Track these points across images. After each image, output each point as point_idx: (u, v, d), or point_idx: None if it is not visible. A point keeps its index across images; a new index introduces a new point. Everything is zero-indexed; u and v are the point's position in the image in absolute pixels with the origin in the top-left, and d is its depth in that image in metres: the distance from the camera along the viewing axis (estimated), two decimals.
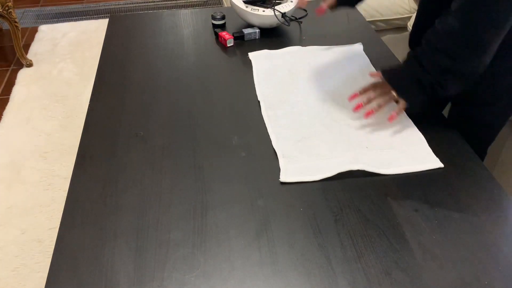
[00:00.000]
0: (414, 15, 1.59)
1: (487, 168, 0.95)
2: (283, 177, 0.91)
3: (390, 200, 0.87)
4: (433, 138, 1.02)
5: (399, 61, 1.30)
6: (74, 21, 3.13)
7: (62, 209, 0.87)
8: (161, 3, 3.37)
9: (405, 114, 1.08)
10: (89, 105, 1.13)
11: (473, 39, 0.90)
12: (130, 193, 0.89)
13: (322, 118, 1.07)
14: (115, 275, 0.74)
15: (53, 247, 1.19)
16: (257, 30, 1.40)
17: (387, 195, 0.88)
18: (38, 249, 1.61)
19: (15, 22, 2.51)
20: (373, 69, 1.25)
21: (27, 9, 3.31)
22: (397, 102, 1.05)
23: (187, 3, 3.38)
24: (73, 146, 2.06)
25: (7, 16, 2.45)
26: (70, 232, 0.81)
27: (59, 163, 1.98)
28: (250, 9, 1.38)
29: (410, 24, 2.08)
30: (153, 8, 3.28)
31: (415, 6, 2.23)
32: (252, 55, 1.31)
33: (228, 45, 1.37)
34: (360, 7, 2.15)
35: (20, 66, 2.63)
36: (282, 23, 1.40)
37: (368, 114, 1.05)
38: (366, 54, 1.32)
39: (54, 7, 3.33)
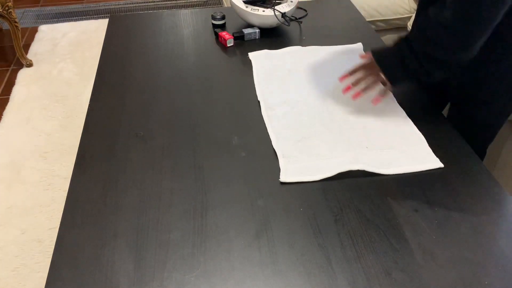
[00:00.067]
0: (414, 15, 1.59)
1: (487, 168, 0.95)
2: (283, 177, 0.91)
3: (390, 200, 0.87)
4: (433, 138, 1.02)
5: None
6: (74, 21, 3.12)
7: (62, 209, 0.87)
8: (161, 3, 3.37)
9: (405, 114, 1.08)
10: (89, 105, 1.13)
11: (463, 32, 0.91)
12: (130, 193, 0.89)
13: (322, 118, 1.07)
14: (115, 275, 0.74)
15: (53, 247, 1.19)
16: (257, 30, 1.40)
17: (387, 195, 0.88)
18: (38, 249, 1.61)
19: (15, 22, 2.51)
20: None
21: (27, 9, 3.31)
22: (385, 84, 1.05)
23: (187, 3, 3.38)
24: (73, 146, 2.06)
25: (7, 16, 2.45)
26: (70, 232, 0.81)
27: (59, 163, 1.98)
28: (250, 9, 1.38)
29: (410, 24, 2.08)
30: (153, 8, 3.28)
31: (415, 6, 2.23)
32: (252, 55, 1.31)
33: (228, 45, 1.37)
34: (360, 7, 2.15)
35: (20, 66, 2.63)
36: (282, 23, 1.40)
37: (355, 96, 1.07)
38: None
39: (54, 7, 3.33)
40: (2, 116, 2.26)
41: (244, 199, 0.87)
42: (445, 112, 1.32)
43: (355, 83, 1.08)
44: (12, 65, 2.67)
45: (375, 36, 1.42)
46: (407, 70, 1.00)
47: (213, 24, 1.46)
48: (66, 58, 2.70)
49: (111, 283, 0.73)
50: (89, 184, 0.91)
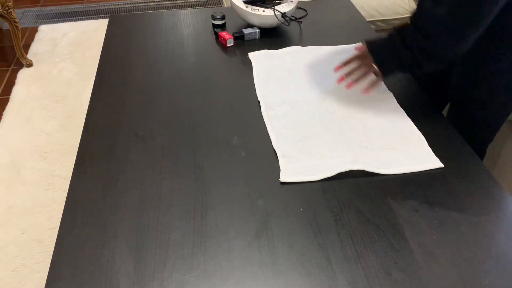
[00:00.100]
0: None
1: (487, 168, 0.95)
2: (283, 177, 0.91)
3: (390, 200, 0.87)
4: (433, 138, 1.02)
5: None
6: (74, 21, 3.12)
7: (62, 209, 0.87)
8: (161, 3, 3.37)
9: (405, 114, 1.08)
10: (89, 105, 1.13)
11: (456, 28, 0.93)
12: (130, 193, 0.89)
13: (322, 118, 1.07)
14: (115, 275, 0.74)
15: (53, 247, 1.19)
16: (257, 30, 1.40)
17: (387, 195, 0.88)
18: (38, 249, 1.61)
19: (15, 22, 2.51)
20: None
21: (27, 9, 3.31)
22: (377, 75, 1.07)
23: (187, 3, 3.38)
24: (73, 146, 2.06)
25: (7, 16, 2.45)
26: (70, 232, 0.81)
27: (59, 163, 1.98)
28: (250, 9, 1.38)
29: None
30: (153, 8, 3.28)
31: (415, 6, 2.23)
32: (252, 55, 1.31)
33: (228, 45, 1.37)
34: (360, 7, 2.15)
35: (20, 66, 2.63)
36: (282, 23, 1.40)
37: (349, 86, 1.09)
38: None
39: (54, 7, 3.33)
40: (2, 116, 2.26)
41: (244, 199, 0.87)
42: (445, 112, 1.32)
43: (348, 74, 1.10)
44: (12, 65, 2.67)
45: (375, 36, 1.42)
46: (399, 62, 1.02)
47: (213, 24, 1.46)
48: (66, 58, 2.70)
49: (111, 283, 0.73)
50: (89, 184, 0.91)
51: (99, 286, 0.73)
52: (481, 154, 1.26)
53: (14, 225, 1.70)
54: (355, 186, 0.90)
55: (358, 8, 1.64)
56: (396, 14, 2.22)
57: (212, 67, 1.27)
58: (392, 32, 1.04)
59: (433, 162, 0.95)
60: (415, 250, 0.78)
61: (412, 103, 1.13)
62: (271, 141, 1.01)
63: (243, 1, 1.42)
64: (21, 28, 2.91)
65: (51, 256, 0.79)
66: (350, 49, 1.33)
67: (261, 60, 1.29)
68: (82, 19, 3.15)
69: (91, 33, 2.96)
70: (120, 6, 3.33)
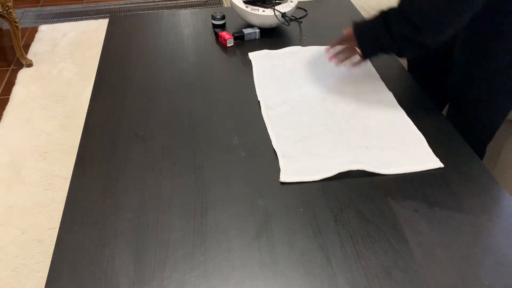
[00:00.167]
0: None
1: (487, 168, 0.95)
2: (283, 177, 0.91)
3: (390, 200, 0.87)
4: (433, 138, 1.02)
5: (399, 61, 1.30)
6: (74, 21, 3.12)
7: (62, 209, 0.87)
8: (161, 3, 3.37)
9: (405, 114, 1.08)
10: (89, 105, 1.13)
11: (441, 17, 0.95)
12: (130, 193, 0.89)
13: (322, 118, 1.07)
14: (115, 275, 0.74)
15: (53, 247, 1.19)
16: (257, 30, 1.40)
17: (387, 195, 0.88)
18: (38, 249, 1.61)
19: (15, 22, 2.51)
20: (373, 69, 1.25)
21: (27, 9, 3.31)
22: (361, 56, 1.12)
23: (187, 3, 3.38)
24: (73, 146, 2.06)
25: (7, 16, 2.45)
26: (70, 232, 0.81)
27: (59, 163, 1.98)
28: (250, 9, 1.38)
29: None
30: (153, 8, 3.28)
31: None
32: (252, 55, 1.31)
33: (228, 45, 1.37)
34: (360, 7, 2.15)
35: (20, 66, 2.63)
36: (282, 23, 1.40)
37: (337, 64, 1.18)
38: None
39: (54, 7, 3.33)
40: (2, 116, 2.26)
41: (244, 199, 0.87)
42: (444, 112, 1.32)
43: (335, 55, 1.16)
44: (12, 65, 2.67)
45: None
46: (381, 47, 1.07)
47: (213, 24, 1.46)
48: (66, 58, 2.70)
49: (111, 283, 0.73)
50: (89, 184, 0.91)
51: (99, 286, 0.73)
52: (481, 154, 1.26)
53: (14, 225, 1.70)
54: (355, 186, 0.90)
55: (358, 8, 1.64)
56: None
57: (212, 67, 1.27)
58: (377, 16, 1.06)
59: (433, 162, 0.95)
60: (415, 250, 0.78)
61: (412, 103, 1.13)
62: (271, 141, 1.01)
63: (243, 1, 1.42)
64: (21, 28, 2.91)
65: (51, 256, 0.78)
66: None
67: (261, 60, 1.29)
68: (82, 19, 3.15)
69: (91, 33, 2.96)
70: (120, 6, 3.33)
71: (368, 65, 1.27)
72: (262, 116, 1.08)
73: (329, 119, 1.07)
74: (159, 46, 1.37)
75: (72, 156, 1.99)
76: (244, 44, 1.38)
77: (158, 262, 0.76)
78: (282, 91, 1.16)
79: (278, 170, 0.94)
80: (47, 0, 3.44)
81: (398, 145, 0.99)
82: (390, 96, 1.15)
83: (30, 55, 2.72)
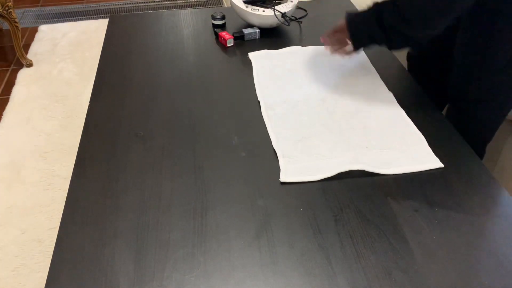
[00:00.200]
0: None
1: (487, 168, 0.95)
2: (283, 177, 0.91)
3: (390, 200, 0.87)
4: (433, 138, 1.02)
5: (399, 61, 1.30)
6: (74, 21, 3.12)
7: (62, 209, 0.87)
8: (161, 3, 3.37)
9: (405, 114, 1.08)
10: (89, 105, 1.13)
11: (433, 12, 0.97)
12: (130, 193, 0.89)
13: (322, 118, 1.07)
14: (115, 275, 0.74)
15: (53, 247, 1.19)
16: (257, 30, 1.40)
17: (387, 195, 0.88)
18: (38, 249, 1.61)
19: (15, 22, 2.51)
20: (373, 69, 1.25)
21: (27, 9, 3.31)
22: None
23: (187, 3, 3.38)
24: (73, 146, 2.06)
25: (7, 16, 2.45)
26: (70, 232, 0.81)
27: (59, 163, 1.98)
28: (250, 9, 1.38)
29: None
30: (153, 8, 3.28)
31: None
32: (252, 55, 1.31)
33: (228, 45, 1.37)
34: (360, 7, 2.15)
35: (20, 66, 2.63)
36: (282, 23, 1.40)
37: (332, 53, 1.21)
38: (366, 54, 1.32)
39: (54, 7, 3.33)
40: (2, 116, 2.26)
41: (244, 199, 0.87)
42: (444, 112, 1.32)
43: (328, 44, 1.20)
44: (12, 65, 2.67)
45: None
46: (372, 40, 1.09)
47: (213, 24, 1.46)
48: (66, 58, 2.70)
49: (111, 283, 0.73)
50: (89, 184, 0.91)
51: (99, 286, 0.73)
52: (481, 153, 1.26)
53: (14, 225, 1.70)
54: (355, 186, 0.90)
55: (358, 8, 1.63)
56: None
57: (212, 67, 1.27)
58: (370, 8, 1.08)
59: (433, 162, 0.95)
60: (415, 250, 0.78)
61: (412, 103, 1.13)
62: (271, 141, 1.01)
63: (243, 1, 1.42)
64: (21, 28, 2.91)
65: (51, 256, 0.78)
66: (350, 49, 1.33)
67: (261, 60, 1.29)
68: (82, 19, 3.15)
69: (91, 33, 2.96)
70: (120, 6, 3.33)
71: (368, 65, 1.27)
72: (262, 116, 1.08)
73: (329, 119, 1.07)
74: (159, 46, 1.37)
75: (72, 156, 1.99)
76: (244, 44, 1.38)
77: (158, 262, 0.76)
78: (282, 91, 1.16)
79: (278, 170, 0.94)
80: (47, 0, 3.44)
81: (398, 145, 0.99)
82: (390, 96, 1.15)
83: (30, 55, 2.72)
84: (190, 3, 3.38)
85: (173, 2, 3.38)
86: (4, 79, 2.56)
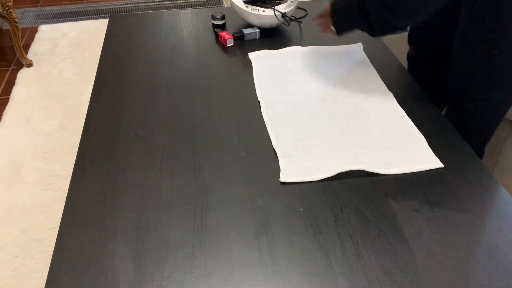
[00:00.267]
0: None
1: (487, 168, 0.95)
2: (283, 177, 0.91)
3: (390, 200, 0.87)
4: (433, 138, 1.02)
5: (399, 61, 1.30)
6: (74, 21, 3.12)
7: (62, 209, 0.87)
8: (161, 3, 3.37)
9: (405, 114, 1.08)
10: (89, 105, 1.13)
11: (418, 2, 0.99)
12: (130, 193, 0.89)
13: (322, 118, 1.07)
14: (115, 275, 0.74)
15: (53, 247, 1.19)
16: (257, 30, 1.40)
17: (387, 195, 0.88)
18: (38, 249, 1.61)
19: (15, 22, 2.51)
20: (373, 69, 1.25)
21: (27, 9, 3.31)
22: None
23: (187, 3, 3.38)
24: (73, 146, 2.06)
25: (7, 16, 2.45)
26: (70, 232, 0.81)
27: (59, 163, 1.98)
28: (250, 9, 1.38)
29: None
30: (153, 8, 3.28)
31: None
32: (252, 55, 1.31)
33: (228, 45, 1.37)
34: None
35: (20, 66, 2.63)
36: (282, 23, 1.40)
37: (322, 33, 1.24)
38: (366, 54, 1.32)
39: (54, 7, 3.33)
40: (2, 116, 2.26)
41: (244, 199, 0.87)
42: (443, 112, 1.31)
43: (316, 27, 1.24)
44: (12, 65, 2.67)
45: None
46: (353, 25, 1.12)
47: (213, 24, 1.46)
48: (66, 58, 2.70)
49: (111, 283, 0.73)
50: (89, 184, 0.91)
51: (99, 286, 0.73)
52: (480, 153, 1.26)
53: (14, 225, 1.70)
54: (355, 186, 0.90)
55: None
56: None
57: (212, 67, 1.27)
58: None
59: (433, 162, 0.95)
60: (415, 250, 0.78)
61: (412, 103, 1.13)
62: (271, 141, 1.01)
63: (243, 1, 1.42)
64: (21, 28, 2.91)
65: (51, 256, 0.78)
66: (350, 49, 1.34)
67: (261, 60, 1.29)
68: (82, 19, 3.15)
69: (91, 33, 2.96)
70: (120, 6, 3.33)
71: (368, 65, 1.27)
72: (262, 116, 1.08)
73: (329, 119, 1.07)
74: (159, 46, 1.37)
75: (72, 156, 1.99)
76: (244, 44, 1.38)
77: (158, 262, 0.76)
78: (282, 91, 1.16)
79: (278, 170, 0.94)
80: (47, 0, 3.44)
81: (398, 145, 0.99)
82: (390, 96, 1.15)
83: (30, 55, 2.72)
84: (190, 3, 3.38)
85: (173, 2, 3.38)
86: (4, 79, 2.56)
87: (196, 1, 3.39)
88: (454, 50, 1.15)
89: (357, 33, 1.44)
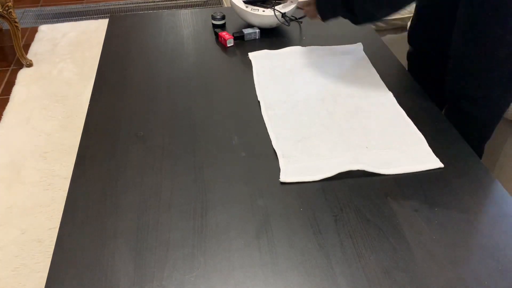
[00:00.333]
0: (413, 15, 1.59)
1: (487, 168, 0.95)
2: (283, 177, 0.91)
3: (390, 200, 0.87)
4: (433, 138, 1.02)
5: (399, 61, 1.30)
6: (74, 21, 3.12)
7: (62, 209, 0.87)
8: (161, 3, 3.37)
9: (405, 114, 1.08)
10: (89, 105, 1.13)
11: None
12: (130, 193, 0.89)
13: (322, 118, 1.07)
14: (115, 275, 0.74)
15: (53, 247, 1.19)
16: (257, 30, 1.40)
17: (387, 195, 0.88)
18: (38, 249, 1.61)
19: (15, 22, 2.51)
20: (373, 69, 1.25)
21: (27, 9, 3.31)
22: None
23: (187, 3, 3.38)
24: (73, 146, 2.06)
25: (7, 16, 2.45)
26: (70, 232, 0.81)
27: (59, 163, 1.98)
28: (250, 9, 1.38)
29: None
30: (153, 8, 3.28)
31: (414, 6, 2.22)
32: (252, 55, 1.31)
33: (228, 45, 1.37)
34: None
35: (20, 66, 2.63)
36: (282, 23, 1.40)
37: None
38: (366, 54, 1.32)
39: (54, 7, 3.33)
40: (2, 116, 2.26)
41: (244, 199, 0.87)
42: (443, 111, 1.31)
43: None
44: (12, 65, 2.67)
45: (375, 36, 1.42)
46: (336, 13, 1.17)
47: (213, 24, 1.46)
48: (66, 58, 2.70)
49: (111, 283, 0.73)
50: (89, 184, 0.91)
51: (99, 286, 0.73)
52: (479, 152, 1.26)
53: (14, 225, 1.70)
54: (355, 186, 0.90)
55: None
56: (396, 14, 2.22)
57: (212, 67, 1.27)
58: None
59: (433, 162, 0.95)
60: (415, 250, 0.78)
61: (412, 103, 1.13)
62: (271, 141, 1.01)
63: (243, 1, 1.42)
64: (21, 28, 2.91)
65: (51, 256, 0.79)
66: (350, 49, 1.34)
67: (261, 60, 1.29)
68: (82, 19, 3.15)
69: (91, 33, 2.96)
70: (120, 6, 3.33)
71: (368, 65, 1.27)
72: (262, 116, 1.08)
73: (329, 119, 1.07)
74: (159, 46, 1.37)
75: (72, 156, 1.99)
76: (244, 44, 1.38)
77: (158, 262, 0.76)
78: (282, 91, 1.16)
79: (278, 170, 0.94)
80: (47, 0, 3.44)
81: (398, 145, 1.00)
82: (390, 96, 1.15)
83: (30, 55, 2.72)
84: (190, 3, 3.38)
85: (173, 2, 3.38)
86: (4, 79, 2.56)
87: (196, 1, 3.39)
88: (453, 49, 1.15)
89: (357, 33, 1.44)
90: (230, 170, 0.94)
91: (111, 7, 3.33)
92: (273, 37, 1.42)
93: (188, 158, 0.97)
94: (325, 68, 1.25)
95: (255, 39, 1.41)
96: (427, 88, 1.20)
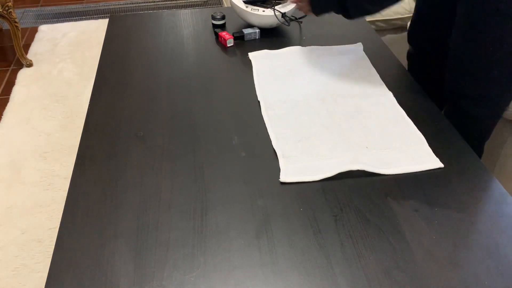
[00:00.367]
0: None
1: (487, 168, 0.95)
2: (283, 177, 0.91)
3: (390, 200, 0.87)
4: (433, 138, 1.02)
5: (399, 61, 1.30)
6: (74, 21, 3.12)
7: (62, 209, 0.87)
8: (161, 3, 3.37)
9: (405, 114, 1.08)
10: (89, 105, 1.13)
11: None
12: (130, 193, 0.89)
13: (322, 118, 1.07)
14: (115, 275, 0.74)
15: (53, 247, 1.19)
16: (257, 30, 1.40)
17: (387, 195, 0.88)
18: (38, 249, 1.61)
19: (15, 22, 2.51)
20: (373, 69, 1.25)
21: (27, 9, 3.31)
22: None
23: (187, 3, 3.38)
24: (73, 146, 2.06)
25: (7, 16, 2.45)
26: (70, 232, 0.81)
27: (59, 163, 1.98)
28: (250, 9, 1.38)
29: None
30: (153, 8, 3.28)
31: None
32: (252, 55, 1.31)
33: (228, 45, 1.37)
34: None
35: (20, 66, 2.63)
36: (282, 23, 1.40)
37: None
38: (366, 54, 1.32)
39: (54, 7, 3.33)
40: (2, 116, 2.26)
41: (244, 199, 0.87)
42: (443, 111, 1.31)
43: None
44: (12, 65, 2.67)
45: (375, 36, 1.42)
46: (329, 8, 1.17)
47: (213, 24, 1.46)
48: (66, 58, 2.70)
49: (111, 283, 0.73)
50: (89, 184, 0.91)
51: (99, 286, 0.73)
52: (479, 152, 1.26)
53: (14, 225, 1.70)
54: (355, 186, 0.90)
55: None
56: (397, 14, 2.22)
57: (212, 67, 1.27)
58: None
59: (433, 162, 0.95)
60: (415, 250, 0.78)
61: (412, 103, 1.13)
62: (271, 141, 1.01)
63: (243, 1, 1.42)
64: (21, 28, 2.91)
65: (51, 256, 0.79)
66: (350, 49, 1.34)
67: (261, 60, 1.29)
68: (82, 19, 3.15)
69: (91, 33, 2.96)
70: (120, 6, 3.33)
71: (368, 65, 1.27)
72: (262, 116, 1.08)
73: (329, 119, 1.07)
74: (159, 46, 1.37)
75: (72, 156, 1.99)
76: (244, 44, 1.38)
77: (158, 262, 0.76)
78: (282, 91, 1.16)
79: (278, 170, 0.94)
80: (47, 0, 3.44)
81: (398, 145, 1.00)
82: (390, 96, 1.15)
83: (30, 55, 2.72)
84: (190, 3, 3.38)
85: (173, 2, 3.38)
86: (4, 79, 2.56)
87: (196, 1, 3.39)
88: (453, 49, 1.15)
89: (357, 33, 1.44)
90: (230, 170, 0.94)
91: (111, 7, 3.33)
92: (273, 37, 1.42)
93: (188, 158, 0.97)
94: (325, 68, 1.25)
95: (255, 39, 1.41)
96: (427, 88, 1.20)
